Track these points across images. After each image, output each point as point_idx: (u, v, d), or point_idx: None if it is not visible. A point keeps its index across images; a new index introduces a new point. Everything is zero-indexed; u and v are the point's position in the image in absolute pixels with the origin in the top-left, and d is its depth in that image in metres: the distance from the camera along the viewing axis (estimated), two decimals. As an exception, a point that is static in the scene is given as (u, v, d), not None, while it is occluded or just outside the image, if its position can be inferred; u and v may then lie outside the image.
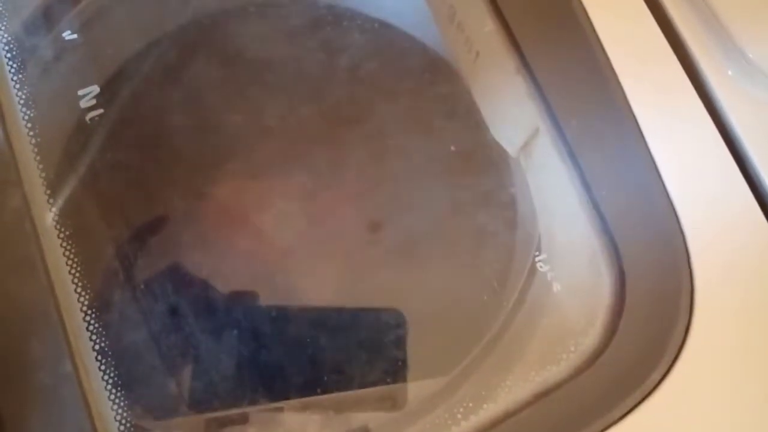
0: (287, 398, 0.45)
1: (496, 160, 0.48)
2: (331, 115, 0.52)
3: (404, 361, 0.45)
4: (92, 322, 0.38)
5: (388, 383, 0.45)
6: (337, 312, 0.47)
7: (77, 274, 0.38)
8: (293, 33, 0.53)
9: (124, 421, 0.36)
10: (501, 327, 0.43)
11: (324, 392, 0.44)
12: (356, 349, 0.46)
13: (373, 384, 0.45)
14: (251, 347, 0.46)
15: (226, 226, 0.49)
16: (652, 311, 0.36)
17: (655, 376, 0.34)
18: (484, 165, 0.49)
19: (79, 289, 0.38)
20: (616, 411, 0.34)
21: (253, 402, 0.45)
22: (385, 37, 0.54)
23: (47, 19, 0.45)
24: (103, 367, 0.37)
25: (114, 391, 0.37)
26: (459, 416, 0.36)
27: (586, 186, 0.39)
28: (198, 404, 0.43)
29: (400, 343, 0.46)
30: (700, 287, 0.35)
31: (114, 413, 0.36)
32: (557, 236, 0.44)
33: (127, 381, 0.37)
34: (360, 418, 0.44)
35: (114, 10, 0.48)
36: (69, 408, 0.35)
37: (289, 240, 0.49)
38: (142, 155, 0.49)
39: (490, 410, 0.36)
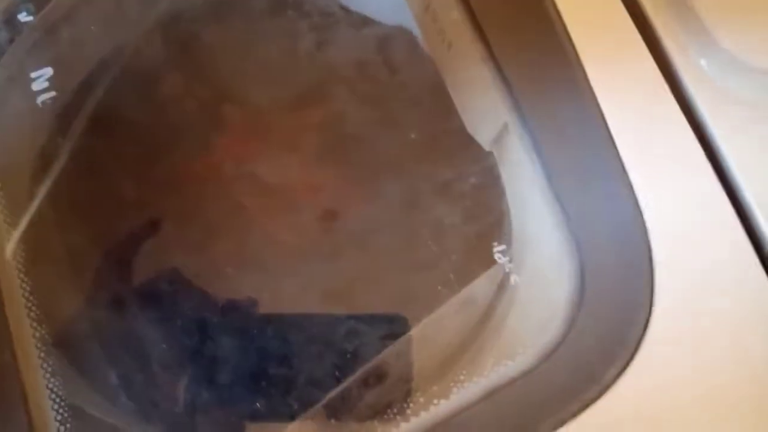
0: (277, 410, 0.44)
1: (457, 149, 0.47)
2: (289, 102, 0.51)
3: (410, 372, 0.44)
4: (33, 309, 0.36)
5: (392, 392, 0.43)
6: (335, 318, 0.46)
7: (21, 261, 0.37)
8: (253, 18, 0.52)
9: (62, 411, 0.35)
10: (457, 320, 0.41)
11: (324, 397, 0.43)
12: (360, 358, 0.45)
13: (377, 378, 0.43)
14: (203, 340, 0.45)
15: (179, 217, 0.48)
16: (611, 306, 0.35)
17: (613, 371, 0.33)
18: (445, 154, 0.48)
19: (22, 275, 0.37)
20: (572, 406, 0.33)
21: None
22: (348, 21, 0.53)
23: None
24: (42, 356, 0.36)
25: (53, 380, 0.35)
26: (408, 412, 0.35)
27: (550, 179, 0.38)
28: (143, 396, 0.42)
29: (406, 351, 0.44)
30: (660, 283, 0.34)
31: (52, 403, 0.35)
32: (520, 229, 0.43)
33: (66, 370, 0.36)
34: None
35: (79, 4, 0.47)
36: (5, 398, 0.33)
37: (243, 230, 0.47)
38: (98, 146, 0.48)
39: (441, 406, 0.35)
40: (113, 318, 0.45)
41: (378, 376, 0.42)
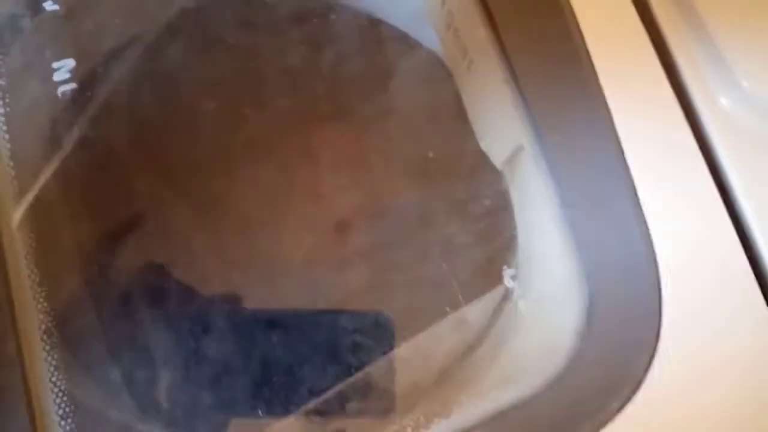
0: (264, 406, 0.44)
1: (474, 169, 0.47)
2: (309, 111, 0.51)
3: (392, 365, 0.44)
4: (41, 301, 0.36)
5: (377, 388, 0.44)
6: (321, 314, 0.46)
7: (31, 252, 0.37)
8: (278, 25, 0.52)
9: (63, 405, 0.35)
10: (462, 342, 0.42)
11: (311, 397, 0.43)
12: (343, 353, 0.45)
13: (362, 389, 0.44)
14: (204, 340, 0.45)
15: (192, 218, 0.48)
16: (617, 338, 0.35)
17: (615, 404, 0.33)
18: (461, 174, 0.48)
19: (31, 266, 0.37)
20: (572, 437, 0.33)
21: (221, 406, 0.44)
22: (373, 33, 0.53)
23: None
24: (47, 348, 0.36)
25: (56, 373, 0.35)
26: (409, 430, 0.35)
27: (562, 204, 0.38)
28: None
29: (389, 346, 0.45)
30: (668, 315, 0.34)
31: (54, 396, 0.35)
32: (530, 253, 0.43)
33: (71, 363, 0.36)
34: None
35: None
36: (7, 391, 0.33)
37: (255, 237, 0.47)
38: (111, 138, 0.48)
39: (441, 427, 0.35)
40: (114, 311, 0.45)
41: (362, 388, 0.42)
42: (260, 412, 0.44)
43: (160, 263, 0.46)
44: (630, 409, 0.33)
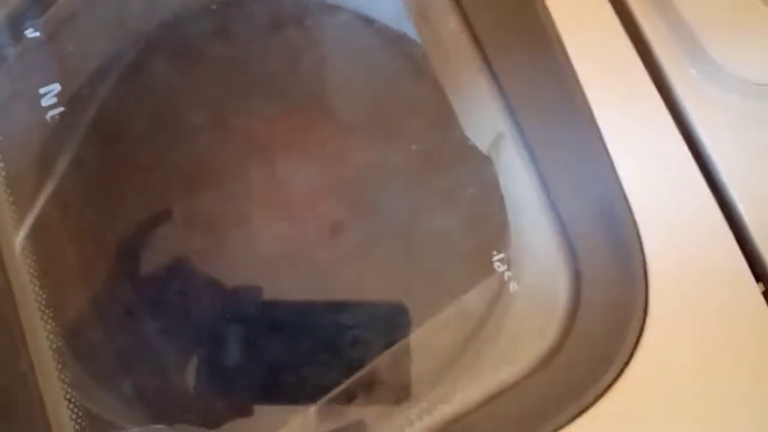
0: (284, 394, 0.45)
1: (459, 159, 0.48)
2: (293, 114, 0.52)
3: (408, 353, 0.45)
4: (49, 320, 0.38)
5: (391, 376, 0.45)
6: (337, 305, 0.47)
7: (35, 274, 0.38)
8: (256, 32, 0.53)
9: (80, 420, 0.36)
10: (454, 327, 0.43)
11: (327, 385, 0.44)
12: (358, 342, 0.46)
13: (378, 376, 0.45)
14: (224, 344, 0.46)
15: (189, 227, 0.49)
16: (606, 313, 0.36)
17: (607, 378, 0.34)
18: (446, 164, 0.49)
19: (37, 288, 0.38)
20: (568, 412, 0.34)
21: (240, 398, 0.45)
22: (353, 31, 0.54)
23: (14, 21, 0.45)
24: (60, 367, 0.37)
25: (70, 390, 0.37)
26: (413, 417, 0.37)
27: (545, 187, 0.39)
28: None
29: (404, 334, 0.46)
30: (655, 290, 0.35)
31: (70, 413, 0.36)
32: (520, 237, 0.44)
33: (84, 380, 0.37)
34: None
35: (80, 13, 0.48)
36: (24, 408, 0.35)
37: (250, 240, 0.48)
38: (104, 157, 0.49)
39: (444, 411, 0.36)
40: (124, 320, 0.46)
41: (373, 382, 0.44)
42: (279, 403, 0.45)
43: (163, 275, 0.47)
44: (625, 378, 0.34)
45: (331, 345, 0.47)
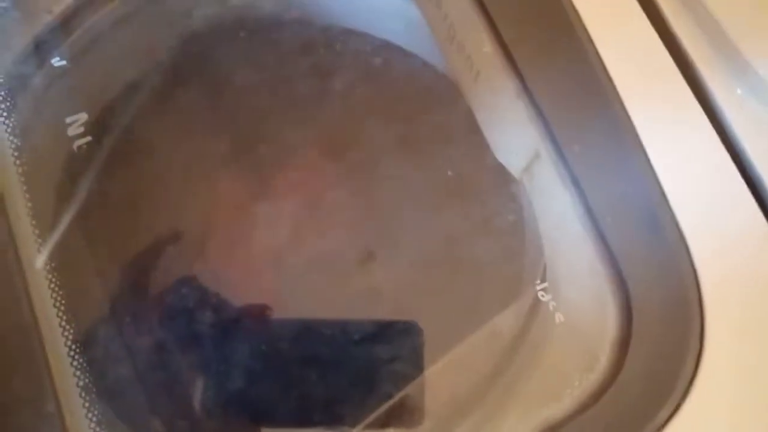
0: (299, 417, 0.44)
1: (497, 185, 0.47)
2: (322, 143, 0.51)
3: (422, 375, 0.44)
4: (77, 358, 0.36)
5: (407, 398, 0.43)
6: (351, 325, 0.46)
7: (62, 309, 0.37)
8: (287, 55, 0.52)
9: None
10: (502, 361, 0.41)
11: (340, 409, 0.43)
12: (373, 363, 0.45)
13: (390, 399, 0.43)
14: (247, 378, 0.45)
15: (217, 255, 0.48)
16: (660, 346, 0.34)
17: (664, 414, 0.32)
18: (484, 190, 0.47)
19: (64, 323, 0.37)
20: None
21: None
22: (383, 58, 0.53)
23: (39, 49, 0.45)
24: (87, 405, 0.36)
25: (98, 429, 0.35)
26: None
27: (590, 213, 0.38)
28: None
29: (418, 355, 0.44)
30: (711, 321, 0.33)
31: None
32: (561, 264, 0.42)
33: (112, 418, 0.36)
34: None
35: (104, 39, 0.47)
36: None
37: (281, 270, 0.47)
38: (131, 185, 0.48)
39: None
40: (152, 356, 0.45)
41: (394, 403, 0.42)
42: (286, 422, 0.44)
43: (190, 306, 0.46)
44: (682, 414, 0.32)
45: (343, 366, 0.45)
